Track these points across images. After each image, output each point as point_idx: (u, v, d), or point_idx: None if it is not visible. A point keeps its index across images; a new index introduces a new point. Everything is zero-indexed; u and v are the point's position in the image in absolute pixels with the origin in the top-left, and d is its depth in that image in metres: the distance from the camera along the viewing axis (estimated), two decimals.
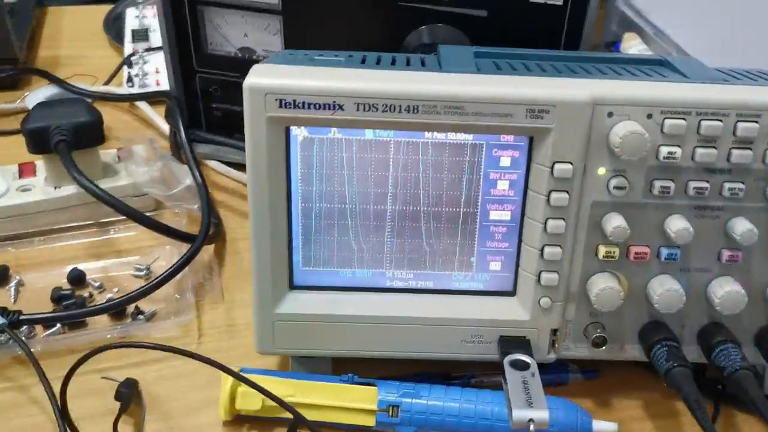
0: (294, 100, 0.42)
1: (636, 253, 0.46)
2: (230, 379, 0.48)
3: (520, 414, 0.41)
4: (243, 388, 0.48)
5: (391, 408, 0.47)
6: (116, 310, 0.57)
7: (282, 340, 0.49)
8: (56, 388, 0.47)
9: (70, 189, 0.65)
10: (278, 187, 0.45)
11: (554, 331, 0.48)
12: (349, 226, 0.47)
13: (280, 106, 0.42)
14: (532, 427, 0.41)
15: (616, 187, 0.44)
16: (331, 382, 0.49)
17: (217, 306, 0.60)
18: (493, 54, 0.49)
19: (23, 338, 0.54)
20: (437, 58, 0.48)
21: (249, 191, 0.45)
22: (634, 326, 0.48)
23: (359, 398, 0.48)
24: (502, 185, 0.46)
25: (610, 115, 0.43)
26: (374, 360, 0.50)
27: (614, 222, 0.44)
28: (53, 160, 0.63)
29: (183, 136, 0.66)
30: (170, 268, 0.57)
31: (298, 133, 0.45)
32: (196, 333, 0.57)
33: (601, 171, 0.44)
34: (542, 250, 0.46)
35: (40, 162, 0.66)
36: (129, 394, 0.50)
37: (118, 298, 0.56)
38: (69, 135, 0.62)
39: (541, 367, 0.46)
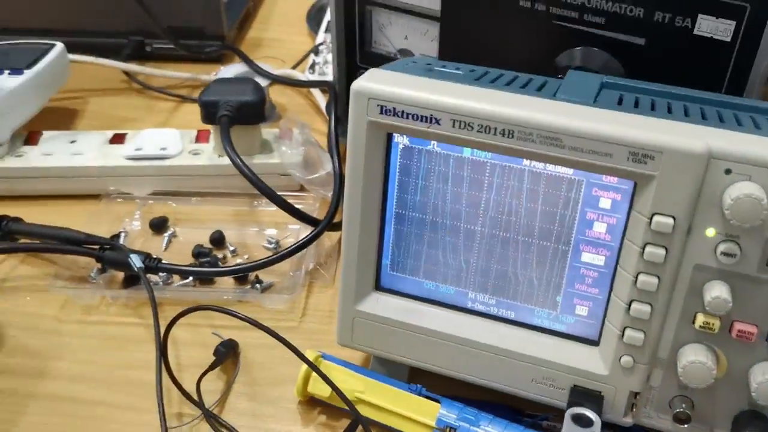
0: (394, 108, 0.43)
1: (740, 331, 0.41)
2: (305, 367, 0.50)
3: None
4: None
5: (448, 429, 0.47)
6: (239, 275, 0.62)
7: (360, 337, 0.50)
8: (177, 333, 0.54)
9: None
10: (374, 189, 0.46)
11: (635, 394, 0.45)
12: (439, 240, 0.47)
13: (381, 113, 0.43)
14: None
15: (724, 254, 0.40)
16: (400, 388, 0.49)
17: (326, 290, 0.62)
18: (621, 86, 0.46)
19: (161, 283, 0.61)
20: (560, 82, 0.46)
21: (345, 188, 0.47)
22: (728, 411, 0.43)
23: (421, 411, 0.48)
24: (599, 227, 0.43)
25: (727, 172, 0.38)
26: (450, 378, 0.50)
27: (714, 291, 0.40)
28: (219, 131, 0.70)
29: (332, 123, 0.69)
30: (292, 246, 0.61)
31: (400, 140, 0.45)
32: (300, 311, 0.60)
33: (711, 232, 0.40)
34: (630, 305, 0.42)
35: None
36: (225, 353, 0.55)
37: (243, 264, 0.61)
38: (232, 111, 0.68)
39: (617, 428, 0.43)
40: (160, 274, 0.62)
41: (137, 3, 0.83)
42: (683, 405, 0.43)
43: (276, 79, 0.84)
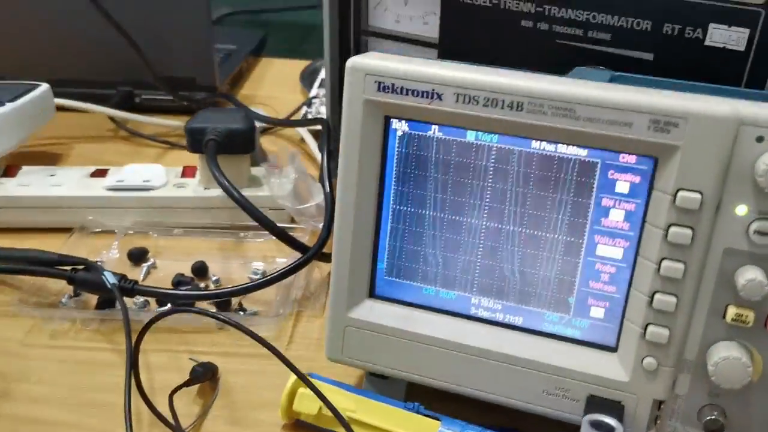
0: (393, 84, 0.40)
1: None
2: (293, 379, 0.45)
3: None
4: (303, 389, 0.45)
5: None
6: (220, 300, 0.58)
7: (351, 349, 0.45)
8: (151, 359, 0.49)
9: (216, 191, 0.68)
10: (369, 182, 0.43)
11: (659, 404, 0.40)
12: (439, 238, 0.43)
13: (379, 90, 0.41)
14: None
15: (758, 232, 0.36)
16: (396, 406, 0.44)
17: (314, 320, 0.58)
18: (632, 79, 0.44)
19: (137, 308, 0.56)
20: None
21: (338, 182, 0.43)
22: (765, 419, 0.38)
23: (418, 428, 0.43)
24: (616, 215, 0.40)
25: (760, 140, 0.35)
26: (450, 397, 0.44)
27: (749, 274, 0.36)
28: (205, 159, 0.67)
29: (325, 155, 0.66)
30: (279, 270, 0.57)
31: (398, 127, 0.43)
32: (287, 339, 0.56)
33: (742, 210, 0.36)
34: (652, 296, 0.38)
35: None
36: (202, 374, 0.50)
37: (226, 288, 0.56)
38: (220, 137, 0.65)
39: None
40: (137, 298, 0.57)
41: (135, 51, 0.82)
42: (714, 413, 0.38)
43: (268, 121, 0.82)
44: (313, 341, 0.55)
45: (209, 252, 0.65)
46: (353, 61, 0.41)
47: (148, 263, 0.63)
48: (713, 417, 0.38)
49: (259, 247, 0.66)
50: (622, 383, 0.40)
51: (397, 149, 0.43)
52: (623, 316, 0.40)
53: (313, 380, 0.46)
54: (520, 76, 0.39)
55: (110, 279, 0.53)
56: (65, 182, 0.70)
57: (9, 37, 0.91)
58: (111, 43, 0.90)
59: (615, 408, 0.40)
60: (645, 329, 0.39)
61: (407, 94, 0.40)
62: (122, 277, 0.55)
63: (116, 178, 0.69)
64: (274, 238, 0.59)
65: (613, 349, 0.41)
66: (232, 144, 0.66)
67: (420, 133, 0.42)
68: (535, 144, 0.40)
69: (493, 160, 0.41)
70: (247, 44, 1.13)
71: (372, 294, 0.45)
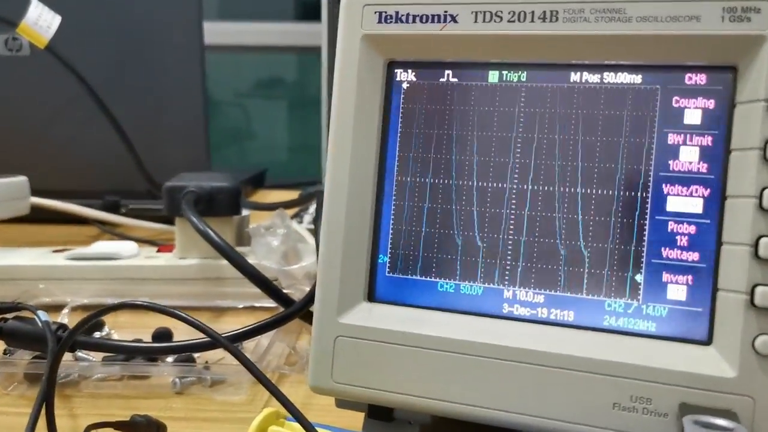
0: (396, 12, 0.33)
1: None
2: (263, 415, 0.33)
3: None
4: (276, 427, 0.33)
5: None
6: (182, 359, 0.46)
7: (344, 370, 0.33)
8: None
9: (193, 260, 0.59)
10: (368, 147, 0.34)
11: None
12: (458, 215, 0.34)
13: (380, 21, 0.33)
14: None
15: None
16: None
17: (299, 385, 0.45)
18: None
19: (76, 375, 0.45)
20: None
21: (329, 152, 0.35)
22: None
23: None
24: (689, 155, 0.30)
25: None
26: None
27: None
28: (185, 225, 0.58)
29: (319, 224, 0.58)
30: (255, 324, 0.46)
31: (404, 78, 0.35)
32: (263, 403, 0.43)
33: None
34: (757, 243, 0.28)
35: None
36: (141, 426, 0.37)
37: (189, 340, 0.45)
38: (203, 195, 0.57)
39: None
40: (78, 354, 0.45)
41: (132, 159, 0.78)
42: None
43: (260, 207, 0.74)
44: (297, 405, 0.42)
45: (180, 326, 0.54)
46: None
47: (103, 333, 0.52)
48: None
49: (240, 321, 0.55)
50: (727, 381, 0.28)
51: (403, 105, 0.34)
52: (714, 290, 0.29)
53: (289, 423, 0.34)
54: None
55: (43, 317, 0.42)
56: (24, 255, 0.61)
57: None
58: (100, 153, 0.86)
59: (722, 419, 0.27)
60: (752, 294, 0.28)
61: (414, 21, 0.33)
62: (63, 326, 0.44)
63: (80, 252, 0.60)
64: (255, 319, 0.49)
65: (706, 342, 0.30)
66: (218, 205, 0.58)
67: (431, 81, 0.34)
68: (574, 76, 0.32)
69: (523, 105, 0.33)
70: (246, 173, 1.10)
71: (371, 297, 0.35)
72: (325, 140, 0.76)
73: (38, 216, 0.76)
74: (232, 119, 1.67)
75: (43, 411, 0.32)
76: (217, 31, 1.44)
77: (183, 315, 0.33)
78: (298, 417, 0.29)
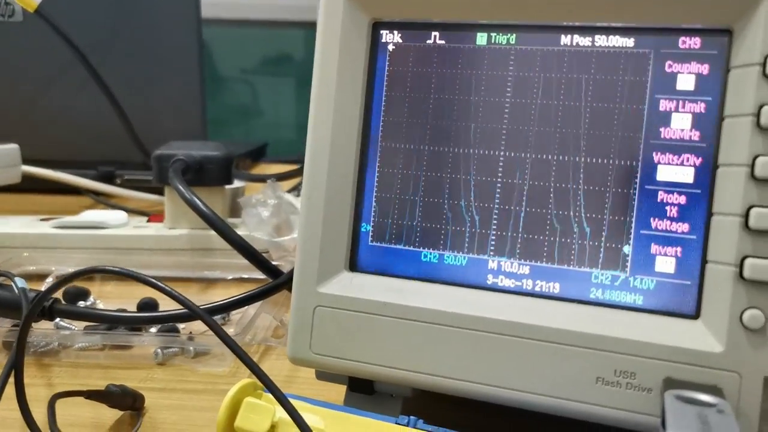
0: None
1: None
2: (238, 386, 0.32)
3: None
4: (252, 398, 0.32)
5: None
6: (165, 329, 0.45)
7: (323, 340, 0.33)
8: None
9: (182, 230, 0.58)
10: (352, 111, 0.33)
11: None
12: (444, 181, 0.33)
13: None
14: None
15: None
16: (385, 421, 0.31)
17: (284, 358, 0.45)
18: None
19: (57, 344, 0.44)
20: None
21: (311, 114, 0.33)
22: None
23: None
24: (681, 121, 0.29)
25: None
26: (458, 419, 0.31)
27: None
28: (174, 195, 0.57)
29: None
30: (240, 295, 0.45)
31: (390, 39, 0.33)
32: (246, 374, 0.42)
33: None
34: (747, 214, 0.27)
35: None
36: (117, 396, 0.37)
37: (170, 311, 0.44)
38: (192, 164, 0.56)
39: None
40: (59, 323, 0.45)
41: (126, 130, 0.77)
42: None
43: (252, 179, 0.73)
44: (280, 378, 0.42)
45: (165, 298, 0.53)
46: None
47: (88, 303, 0.51)
48: None
49: (228, 293, 0.54)
50: (713, 355, 0.27)
51: (388, 68, 0.33)
52: (704, 263, 0.28)
53: (267, 395, 0.33)
54: None
55: (20, 284, 0.41)
56: (10, 223, 0.60)
57: None
58: (94, 122, 0.85)
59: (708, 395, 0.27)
60: (741, 266, 0.27)
61: None
62: (42, 294, 0.44)
63: (68, 220, 0.59)
64: (243, 290, 0.48)
65: (694, 316, 0.29)
66: (208, 175, 0.57)
67: (417, 44, 0.33)
68: (564, 39, 0.31)
69: (512, 68, 0.31)
70: (245, 146, 1.09)
71: (353, 267, 0.34)
72: None
73: (32, 186, 0.75)
74: (238, 95, 1.66)
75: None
76: (223, 5, 1.42)
77: (159, 284, 0.32)
78: (270, 388, 0.29)
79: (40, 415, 0.33)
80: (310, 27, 1.60)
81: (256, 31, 1.63)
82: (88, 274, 0.31)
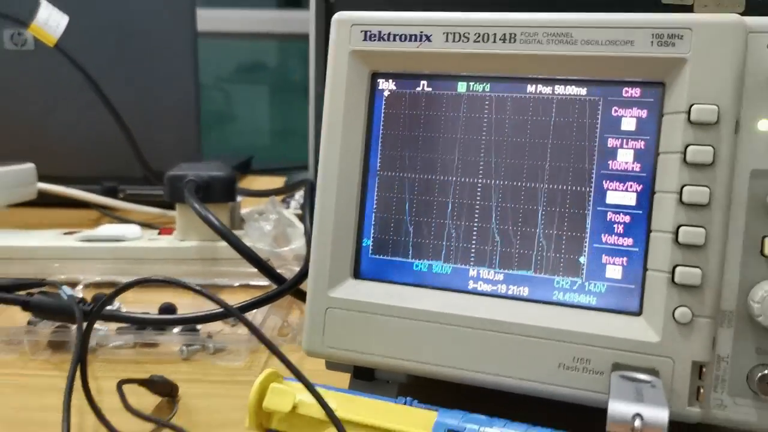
0: (379, 32, 0.38)
1: None
2: (264, 374, 0.39)
3: (621, 407, 0.27)
4: (276, 384, 0.38)
5: None
6: (188, 329, 0.52)
7: (334, 336, 0.39)
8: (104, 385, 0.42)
9: (192, 242, 0.64)
10: (355, 146, 0.40)
11: (700, 369, 0.33)
12: (431, 204, 0.39)
13: (365, 39, 0.39)
14: (638, 423, 0.26)
15: None
16: (387, 401, 0.37)
17: (292, 354, 0.50)
18: None
19: (95, 344, 0.50)
20: None
21: (321, 150, 0.40)
22: None
23: (413, 422, 0.35)
24: (625, 156, 0.36)
25: None
26: (449, 399, 0.38)
27: None
28: (185, 210, 0.64)
29: (306, 212, 0.64)
30: (251, 299, 0.51)
31: (385, 87, 0.40)
32: (260, 368, 0.49)
33: (765, 126, 0.33)
34: (677, 231, 0.34)
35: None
36: (159, 384, 0.43)
37: (188, 314, 0.50)
38: (201, 183, 0.62)
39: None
40: (97, 327, 0.51)
41: (129, 145, 0.82)
42: (767, 370, 0.32)
43: (253, 194, 0.79)
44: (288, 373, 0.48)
45: (181, 302, 0.59)
46: (339, 14, 0.39)
47: (113, 308, 0.57)
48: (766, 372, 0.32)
49: (236, 298, 0.60)
50: (652, 345, 0.34)
51: (384, 111, 0.40)
52: (645, 270, 0.35)
53: (287, 381, 0.40)
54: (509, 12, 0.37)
55: (67, 291, 0.47)
56: (36, 236, 0.66)
57: None
58: (98, 141, 0.90)
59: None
60: (673, 273, 0.34)
61: (394, 39, 0.38)
62: (82, 300, 0.50)
63: (89, 234, 0.65)
64: (250, 296, 0.54)
65: (638, 313, 0.35)
66: (214, 192, 0.63)
67: (408, 91, 0.40)
68: (530, 88, 0.37)
69: (486, 111, 0.38)
70: (234, 160, 1.15)
71: (357, 275, 0.40)
72: (311, 126, 0.81)
73: (42, 200, 0.81)
74: (215, 103, 1.71)
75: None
76: (202, 18, 1.48)
77: (202, 290, 0.38)
78: (298, 375, 0.35)
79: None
80: (283, 38, 1.67)
81: (230, 42, 1.68)
82: (141, 284, 0.37)
